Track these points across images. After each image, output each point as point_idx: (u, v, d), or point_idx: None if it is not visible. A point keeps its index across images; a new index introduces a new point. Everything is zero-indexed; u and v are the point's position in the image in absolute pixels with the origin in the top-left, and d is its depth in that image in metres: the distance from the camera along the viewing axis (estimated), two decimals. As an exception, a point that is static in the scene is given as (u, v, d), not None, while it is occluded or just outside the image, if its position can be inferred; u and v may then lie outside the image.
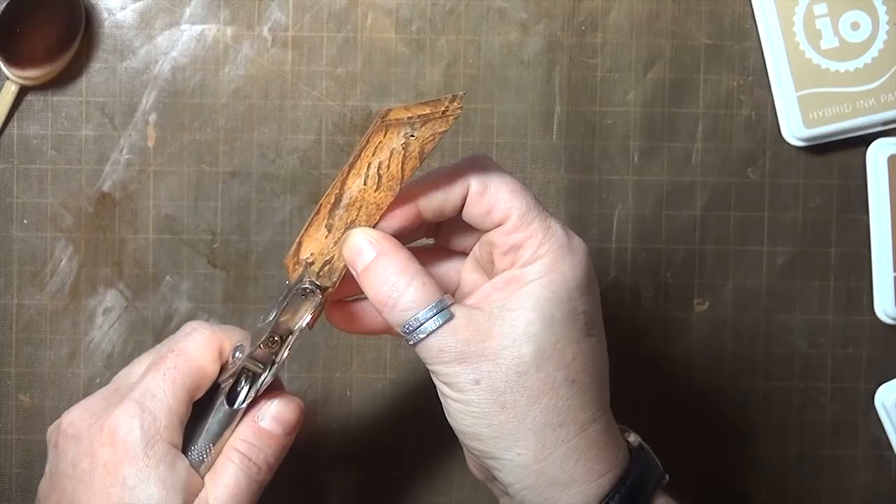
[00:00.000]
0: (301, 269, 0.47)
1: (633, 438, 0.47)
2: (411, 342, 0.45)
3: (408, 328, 0.44)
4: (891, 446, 0.63)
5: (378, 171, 0.46)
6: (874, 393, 0.63)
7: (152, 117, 0.62)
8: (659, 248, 0.63)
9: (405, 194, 0.46)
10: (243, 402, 0.48)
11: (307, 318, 0.47)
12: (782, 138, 0.63)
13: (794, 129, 0.62)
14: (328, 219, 0.47)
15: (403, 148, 0.46)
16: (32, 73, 0.60)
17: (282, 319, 0.47)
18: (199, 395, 0.48)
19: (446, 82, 0.62)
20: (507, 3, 0.62)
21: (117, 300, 0.63)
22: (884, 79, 0.61)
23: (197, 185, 0.62)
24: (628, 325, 0.63)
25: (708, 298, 0.64)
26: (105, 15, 0.62)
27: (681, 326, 0.63)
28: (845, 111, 0.61)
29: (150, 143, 0.62)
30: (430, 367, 0.45)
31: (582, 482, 0.44)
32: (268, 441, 0.49)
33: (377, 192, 0.46)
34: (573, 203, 0.63)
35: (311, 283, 0.46)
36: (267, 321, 0.48)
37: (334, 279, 0.47)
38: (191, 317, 0.62)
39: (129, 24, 0.62)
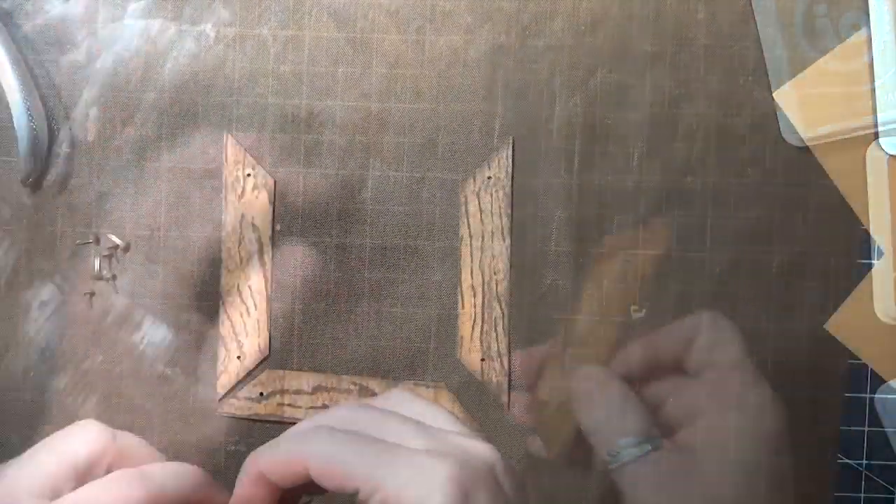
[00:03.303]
0: None
1: None
2: (612, 465, 0.49)
3: (611, 453, 0.49)
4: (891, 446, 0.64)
5: None
6: (874, 393, 0.64)
7: (93, 112, 0.61)
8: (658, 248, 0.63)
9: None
10: None
11: None
12: (782, 138, 0.63)
13: (794, 129, 0.62)
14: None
15: None
16: None
17: None
18: None
19: (387, 85, 0.62)
20: (508, 3, 0.61)
21: (53, 294, 0.62)
22: (884, 79, 0.62)
23: (137, 180, 0.62)
24: (627, 327, 0.63)
25: (708, 301, 0.63)
26: (47, 7, 0.61)
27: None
28: (845, 111, 0.62)
29: (91, 138, 0.62)
30: (624, 493, 0.49)
31: None
32: None
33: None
34: (572, 204, 0.62)
35: None
36: None
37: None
38: (127, 312, 0.62)
39: (71, 17, 0.61)
